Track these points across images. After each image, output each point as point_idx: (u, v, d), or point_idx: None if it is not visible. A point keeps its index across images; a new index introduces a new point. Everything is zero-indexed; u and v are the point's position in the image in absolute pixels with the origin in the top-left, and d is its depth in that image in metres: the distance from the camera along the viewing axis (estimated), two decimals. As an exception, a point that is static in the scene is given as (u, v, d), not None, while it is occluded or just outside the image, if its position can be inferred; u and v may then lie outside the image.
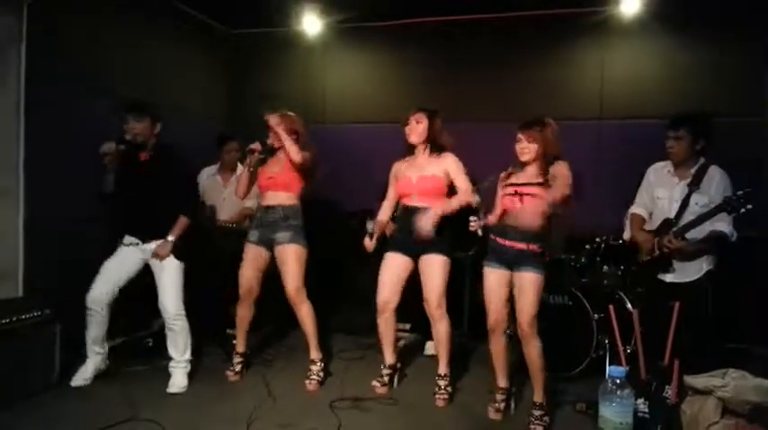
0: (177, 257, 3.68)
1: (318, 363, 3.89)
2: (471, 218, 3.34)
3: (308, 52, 6.05)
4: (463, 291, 4.86)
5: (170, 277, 3.68)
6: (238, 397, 3.60)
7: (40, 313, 3.59)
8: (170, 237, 3.64)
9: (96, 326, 3.67)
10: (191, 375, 3.82)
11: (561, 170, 3.19)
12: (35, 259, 3.94)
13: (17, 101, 3.89)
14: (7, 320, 3.42)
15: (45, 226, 3.94)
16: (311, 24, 5.74)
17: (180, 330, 3.71)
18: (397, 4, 5.39)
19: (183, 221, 3.68)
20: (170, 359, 3.75)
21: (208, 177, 4.98)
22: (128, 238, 3.73)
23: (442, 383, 3.62)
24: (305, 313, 3.84)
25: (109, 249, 3.76)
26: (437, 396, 3.59)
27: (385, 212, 3.86)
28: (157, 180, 3.63)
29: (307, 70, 6.15)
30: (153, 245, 3.67)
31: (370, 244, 3.81)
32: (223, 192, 4.93)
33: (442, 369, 3.65)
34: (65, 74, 4.16)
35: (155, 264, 3.69)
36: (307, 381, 3.80)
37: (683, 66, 5.07)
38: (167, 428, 3.11)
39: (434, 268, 3.57)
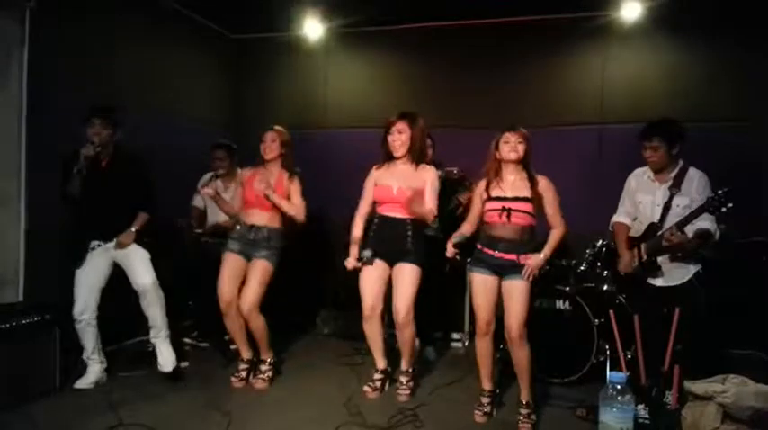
0: (140, 244, 3.77)
1: (268, 363, 3.95)
2: (449, 246, 3.41)
3: (309, 57, 6.06)
4: (464, 296, 4.87)
5: (136, 258, 3.77)
6: (236, 402, 3.59)
7: (40, 318, 3.60)
8: (132, 228, 3.75)
9: (90, 338, 3.74)
10: (191, 380, 3.86)
11: (548, 188, 3.30)
12: (36, 264, 3.95)
13: (19, 104, 3.90)
14: (7, 325, 3.42)
15: (46, 231, 3.95)
16: (313, 29, 5.74)
17: (156, 299, 3.80)
18: (398, 8, 5.40)
19: (143, 216, 3.81)
20: (163, 331, 3.86)
21: (210, 179, 4.97)
22: (92, 243, 3.76)
23: (404, 379, 3.77)
24: (256, 328, 3.87)
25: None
26: (399, 391, 3.73)
27: (359, 227, 3.78)
28: (118, 184, 3.70)
29: (308, 75, 6.15)
30: (113, 242, 3.74)
31: (353, 264, 3.73)
32: (224, 196, 4.93)
33: (405, 365, 3.80)
34: (67, 77, 4.17)
35: (120, 256, 3.75)
36: (253, 379, 3.89)
37: (683, 70, 5.07)
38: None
39: (406, 277, 3.62)
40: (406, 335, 3.70)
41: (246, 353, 3.96)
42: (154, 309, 3.79)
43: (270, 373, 3.94)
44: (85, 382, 3.72)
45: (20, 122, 3.91)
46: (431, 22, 5.63)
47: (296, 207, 3.86)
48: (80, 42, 4.31)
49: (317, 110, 6.09)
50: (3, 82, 3.82)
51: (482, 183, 3.42)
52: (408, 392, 3.74)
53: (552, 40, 5.40)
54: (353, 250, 3.74)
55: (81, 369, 3.78)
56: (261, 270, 3.80)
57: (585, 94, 5.37)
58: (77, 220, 3.77)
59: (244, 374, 3.93)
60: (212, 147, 4.96)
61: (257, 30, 6.07)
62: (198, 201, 4.98)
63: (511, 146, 3.29)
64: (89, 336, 3.73)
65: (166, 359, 3.83)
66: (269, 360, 3.97)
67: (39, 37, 3.96)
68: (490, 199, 3.34)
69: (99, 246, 3.76)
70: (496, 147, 3.36)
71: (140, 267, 3.76)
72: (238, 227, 3.92)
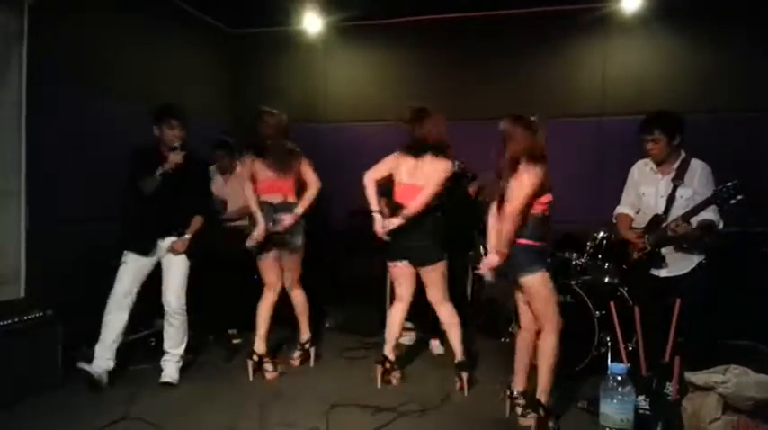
0: (188, 255, 3.78)
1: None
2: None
3: (308, 51, 6.05)
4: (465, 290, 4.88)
5: (177, 273, 3.76)
6: (240, 396, 3.61)
7: (42, 314, 3.62)
8: (188, 235, 3.75)
9: (118, 326, 3.66)
10: (194, 373, 3.87)
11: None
12: (37, 260, 3.94)
13: (19, 101, 3.89)
14: (10, 321, 3.44)
15: (47, 227, 3.95)
16: (312, 23, 5.74)
17: (179, 325, 3.79)
18: (398, 2, 5.39)
19: (198, 220, 3.81)
20: (177, 351, 3.81)
21: (211, 175, 4.99)
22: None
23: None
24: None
25: (113, 249, 3.77)
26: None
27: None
28: (183, 185, 3.69)
29: (308, 69, 6.15)
30: (168, 241, 3.74)
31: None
32: (224, 190, 4.94)
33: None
34: (66, 74, 4.17)
35: (166, 260, 3.76)
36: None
37: (684, 61, 5.06)
38: (168, 427, 3.12)
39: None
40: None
41: (305, 334, 4.20)
42: (171, 328, 3.78)
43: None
44: (92, 368, 3.56)
45: (19, 118, 3.90)
46: (430, 15, 5.61)
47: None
48: (79, 38, 4.30)
49: (317, 104, 6.09)
50: (2, 78, 3.81)
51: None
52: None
53: (553, 31, 5.39)
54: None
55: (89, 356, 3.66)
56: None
57: (586, 86, 5.37)
58: (142, 213, 3.74)
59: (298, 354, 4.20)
60: (215, 145, 4.98)
61: (256, 24, 6.07)
62: None
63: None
64: (117, 325, 3.64)
65: (170, 375, 3.75)
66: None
67: (37, 32, 3.94)
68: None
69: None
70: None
71: (176, 283, 3.76)
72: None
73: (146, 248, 3.74)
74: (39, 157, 3.96)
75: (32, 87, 3.94)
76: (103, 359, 3.64)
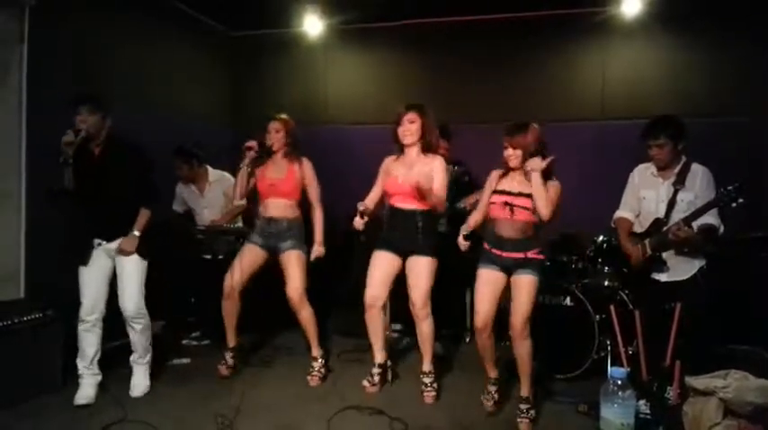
0: (141, 255, 3.55)
1: (320, 360, 3.98)
2: (460, 239, 3.40)
3: (310, 53, 6.05)
4: (465, 292, 4.86)
5: (131, 276, 3.53)
6: (236, 398, 3.57)
7: (42, 314, 3.60)
8: (135, 232, 3.51)
9: (93, 342, 3.52)
10: (193, 376, 3.86)
11: (552, 191, 3.20)
12: (37, 260, 3.94)
13: (18, 102, 3.89)
14: (10, 322, 3.43)
15: (47, 228, 3.93)
16: (313, 26, 5.73)
17: (142, 330, 3.60)
18: (398, 4, 5.39)
19: (145, 214, 3.55)
20: (144, 358, 3.68)
21: (187, 186, 4.97)
22: (95, 241, 3.54)
23: (427, 380, 3.69)
24: (306, 317, 3.92)
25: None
26: (424, 393, 3.65)
27: (372, 200, 3.81)
28: (114, 175, 3.46)
29: (309, 71, 6.15)
30: (116, 243, 3.53)
31: (359, 222, 3.68)
32: (202, 202, 4.93)
33: (427, 366, 3.72)
34: (66, 75, 4.16)
35: (117, 263, 3.55)
36: (309, 377, 3.90)
37: (684, 65, 5.06)
38: (162, 428, 3.13)
39: (421, 269, 3.61)
40: (424, 330, 3.66)
41: (232, 341, 3.99)
42: (135, 334, 3.60)
43: (323, 370, 3.96)
44: (86, 396, 3.46)
45: (20, 120, 3.89)
46: (431, 18, 5.62)
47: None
48: (79, 40, 4.30)
49: (318, 106, 6.08)
50: (2, 79, 3.81)
51: (495, 174, 3.42)
52: (434, 394, 3.65)
53: (553, 36, 5.39)
54: (359, 218, 3.69)
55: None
56: (296, 258, 3.87)
57: (586, 91, 5.37)
58: (78, 215, 3.56)
59: (231, 362, 3.98)
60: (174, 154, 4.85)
61: (257, 26, 6.06)
62: (177, 206, 5.02)
63: (508, 154, 3.29)
64: (92, 340, 3.50)
65: (138, 384, 3.62)
66: (320, 358, 4.00)
67: (38, 35, 3.94)
68: (496, 191, 3.34)
69: (100, 245, 3.54)
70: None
71: (130, 287, 3.52)
72: (258, 221, 3.98)
73: (82, 257, 3.51)
74: (39, 158, 3.94)
75: (32, 88, 3.93)
76: (90, 376, 3.54)
